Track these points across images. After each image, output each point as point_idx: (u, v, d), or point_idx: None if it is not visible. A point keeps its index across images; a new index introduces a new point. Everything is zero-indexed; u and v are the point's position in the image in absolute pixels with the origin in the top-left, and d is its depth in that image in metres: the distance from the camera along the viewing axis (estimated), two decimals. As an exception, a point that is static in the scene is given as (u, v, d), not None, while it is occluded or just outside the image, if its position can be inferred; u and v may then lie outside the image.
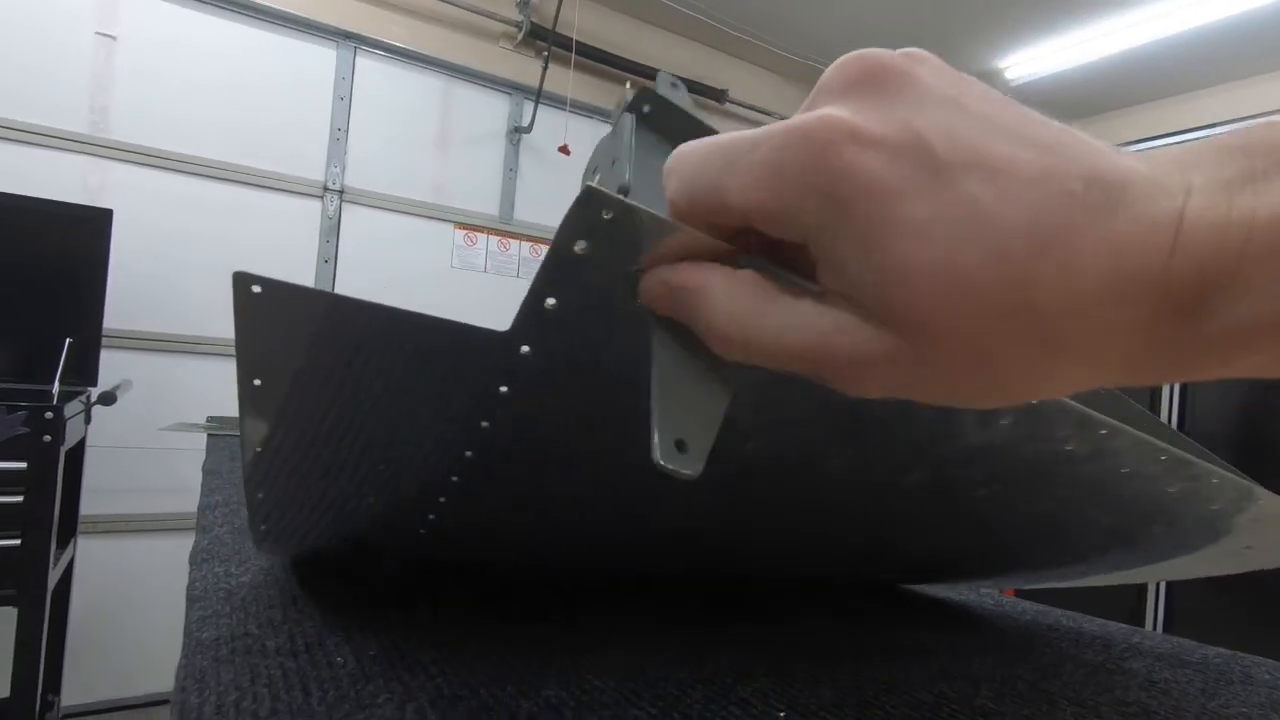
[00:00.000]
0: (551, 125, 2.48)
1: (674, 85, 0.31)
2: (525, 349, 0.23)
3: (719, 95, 2.79)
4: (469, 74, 2.42)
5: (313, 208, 2.19)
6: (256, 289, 0.22)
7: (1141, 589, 2.08)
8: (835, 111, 0.17)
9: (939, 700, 0.33)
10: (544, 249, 2.62)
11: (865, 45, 0.18)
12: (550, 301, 0.21)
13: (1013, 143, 0.16)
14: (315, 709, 0.29)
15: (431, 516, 0.35)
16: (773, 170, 0.17)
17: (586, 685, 0.33)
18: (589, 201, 0.18)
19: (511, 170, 2.50)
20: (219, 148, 2.05)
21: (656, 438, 0.17)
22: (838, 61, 0.18)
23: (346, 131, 2.23)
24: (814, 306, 0.18)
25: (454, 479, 0.32)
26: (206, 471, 0.82)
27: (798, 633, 0.42)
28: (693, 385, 0.19)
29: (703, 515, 0.38)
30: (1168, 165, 0.16)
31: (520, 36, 2.43)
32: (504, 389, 0.26)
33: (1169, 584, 2.03)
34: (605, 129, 2.31)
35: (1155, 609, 2.07)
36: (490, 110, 2.48)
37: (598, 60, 2.56)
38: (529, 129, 2.43)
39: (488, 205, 2.48)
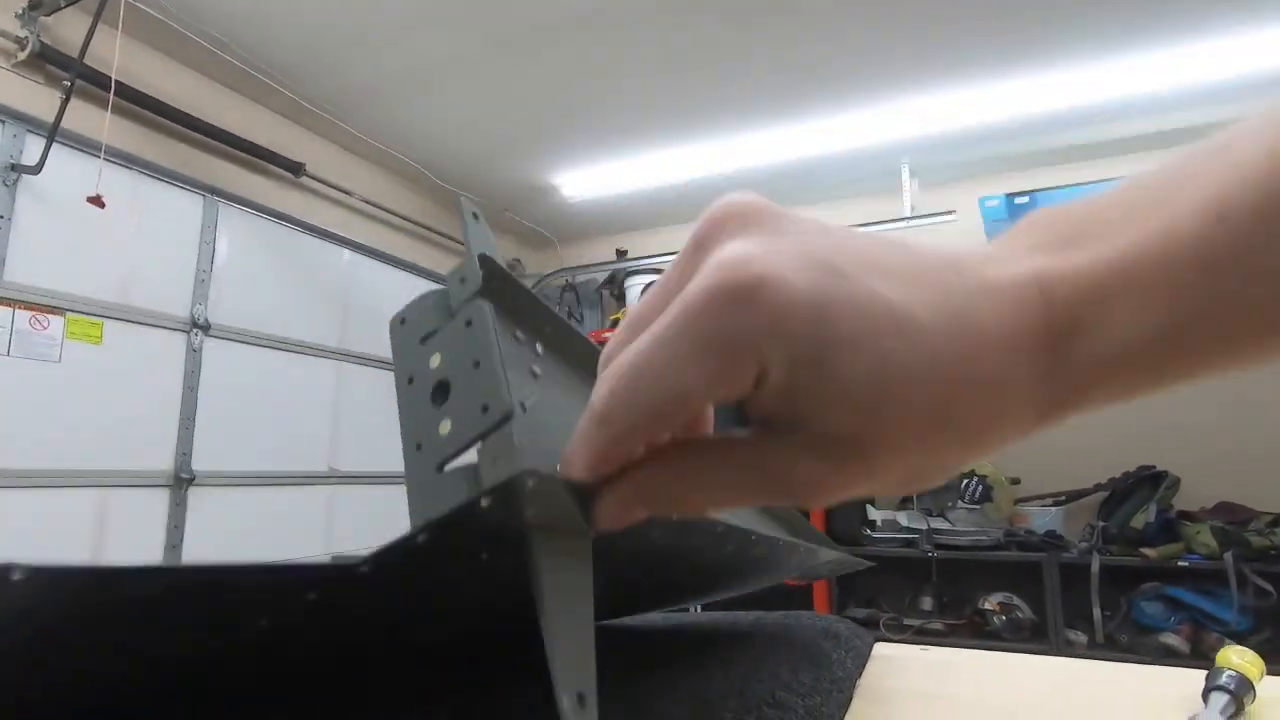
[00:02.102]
0: (76, 171, 1.98)
1: (476, 216, 0.28)
2: (365, 569, 0.18)
3: (295, 168, 2.63)
4: (-69, 84, 1.79)
5: None
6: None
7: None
8: (733, 247, 0.17)
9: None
10: (52, 319, 2.00)
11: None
12: (423, 539, 0.18)
13: (875, 244, 0.17)
14: None
15: None
16: (712, 338, 0.16)
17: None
18: (513, 488, 0.17)
19: (2, 217, 1.90)
20: None
21: (564, 699, 0.17)
22: (706, 213, 0.18)
23: None
24: (753, 450, 0.18)
25: None
26: None
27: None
28: (577, 633, 0.18)
29: None
30: (984, 249, 0.18)
31: (24, 56, 1.91)
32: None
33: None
34: (153, 184, 1.96)
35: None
36: (-33, 136, 1.87)
37: (154, 111, 2.17)
38: (37, 169, 1.90)
39: (-44, 260, 1.82)
